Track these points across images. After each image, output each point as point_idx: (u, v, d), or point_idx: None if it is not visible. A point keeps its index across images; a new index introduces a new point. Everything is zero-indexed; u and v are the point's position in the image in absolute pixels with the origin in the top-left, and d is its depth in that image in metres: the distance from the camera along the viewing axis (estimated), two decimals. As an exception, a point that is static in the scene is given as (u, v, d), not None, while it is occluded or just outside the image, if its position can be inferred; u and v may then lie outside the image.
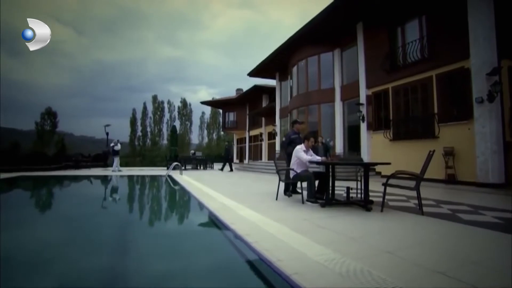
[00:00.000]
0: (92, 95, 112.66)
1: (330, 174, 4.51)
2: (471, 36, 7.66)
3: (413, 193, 4.04)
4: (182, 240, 3.17)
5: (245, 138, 27.87)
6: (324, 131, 13.33)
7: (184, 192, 7.11)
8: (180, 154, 20.11)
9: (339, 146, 13.10)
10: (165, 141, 48.47)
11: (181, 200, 6.61)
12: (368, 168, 4.64)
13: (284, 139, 6.13)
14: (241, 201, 4.93)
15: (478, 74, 7.50)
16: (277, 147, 19.75)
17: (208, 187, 7.05)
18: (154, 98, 50.40)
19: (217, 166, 21.01)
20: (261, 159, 23.36)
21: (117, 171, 13.66)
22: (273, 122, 20.44)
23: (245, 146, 27.74)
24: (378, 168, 10.48)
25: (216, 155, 36.31)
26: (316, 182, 4.74)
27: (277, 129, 19.50)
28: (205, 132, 54.58)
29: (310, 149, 4.98)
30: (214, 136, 54.36)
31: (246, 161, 26.21)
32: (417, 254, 2.24)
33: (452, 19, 8.38)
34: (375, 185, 5.26)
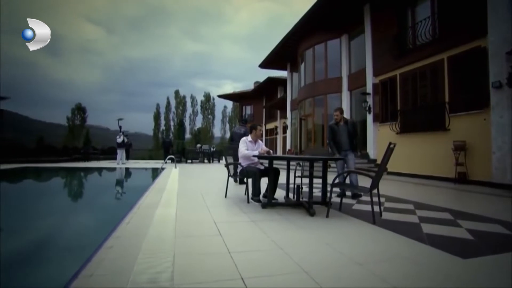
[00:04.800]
0: (124, 91, 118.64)
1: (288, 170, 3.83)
2: (489, 7, 6.38)
3: (404, 193, 3.28)
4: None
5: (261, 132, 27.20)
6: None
7: (143, 185, 7.00)
8: (187, 147, 20.07)
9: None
10: (187, 135, 49.30)
11: (129, 194, 6.69)
12: (326, 164, 3.90)
13: (237, 131, 5.58)
14: (186, 196, 4.51)
15: (496, 53, 6.24)
16: (288, 141, 18.95)
17: (179, 181, 6.63)
18: (176, 93, 51.42)
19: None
20: (276, 153, 22.66)
21: (120, 164, 13.75)
22: (286, 115, 19.62)
23: (262, 140, 27.11)
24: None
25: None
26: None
27: (288, 122, 18.66)
28: (227, 126, 54.73)
29: (259, 141, 4.36)
30: (236, 130, 54.33)
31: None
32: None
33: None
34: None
